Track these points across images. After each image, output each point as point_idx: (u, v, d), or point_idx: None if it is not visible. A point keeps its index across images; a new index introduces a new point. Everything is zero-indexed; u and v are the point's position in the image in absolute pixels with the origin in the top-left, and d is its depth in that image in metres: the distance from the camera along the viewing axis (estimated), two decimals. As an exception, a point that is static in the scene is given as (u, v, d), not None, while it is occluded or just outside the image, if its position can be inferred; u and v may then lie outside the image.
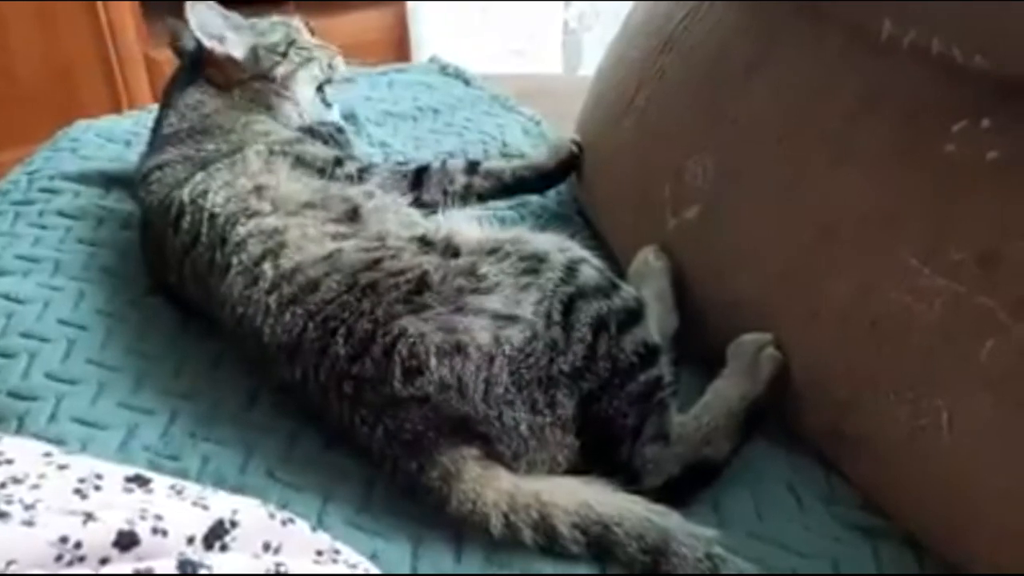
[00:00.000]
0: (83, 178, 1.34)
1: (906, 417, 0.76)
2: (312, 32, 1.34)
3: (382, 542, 0.78)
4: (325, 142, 1.20)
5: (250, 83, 1.23)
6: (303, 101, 1.25)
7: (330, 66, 1.29)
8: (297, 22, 1.30)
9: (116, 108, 2.35)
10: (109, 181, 1.33)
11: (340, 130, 1.29)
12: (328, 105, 1.30)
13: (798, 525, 0.80)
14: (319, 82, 1.28)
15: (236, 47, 1.22)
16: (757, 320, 0.91)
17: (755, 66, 0.98)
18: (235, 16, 1.24)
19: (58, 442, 0.86)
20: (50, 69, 2.48)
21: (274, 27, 1.27)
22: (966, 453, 0.72)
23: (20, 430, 0.90)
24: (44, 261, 1.16)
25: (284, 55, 1.24)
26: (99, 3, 2.46)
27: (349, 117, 1.49)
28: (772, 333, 0.89)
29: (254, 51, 1.23)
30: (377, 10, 2.75)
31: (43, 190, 1.31)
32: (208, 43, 1.20)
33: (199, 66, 1.23)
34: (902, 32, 0.81)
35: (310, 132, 1.23)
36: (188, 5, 1.17)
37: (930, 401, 0.74)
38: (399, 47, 2.73)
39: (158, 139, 1.20)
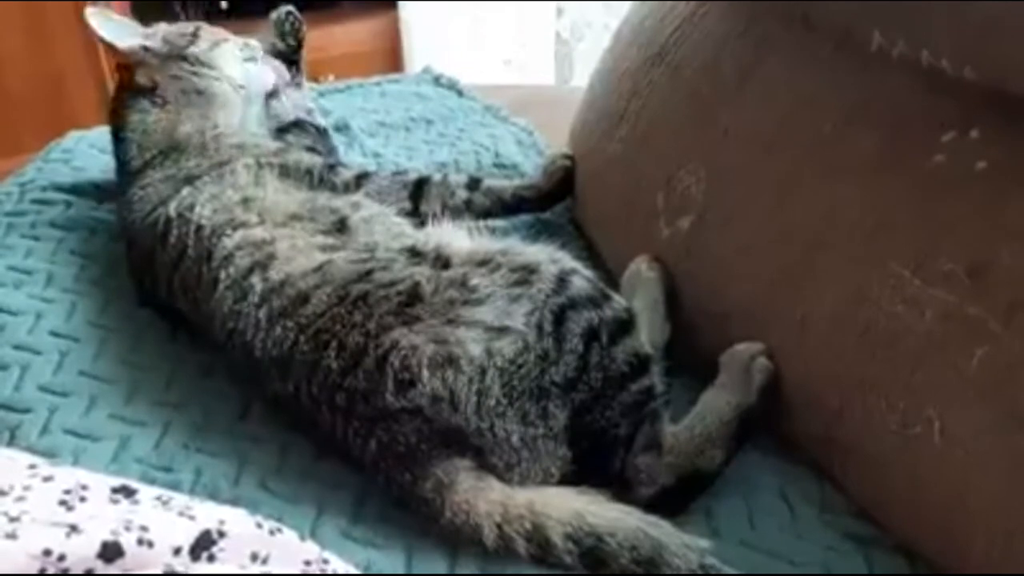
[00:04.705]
0: (76, 189, 1.33)
1: (897, 425, 0.76)
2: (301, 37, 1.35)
3: (376, 553, 0.78)
4: (312, 148, 1.20)
5: (174, 70, 1.20)
6: (237, 77, 1.24)
7: (247, 44, 1.28)
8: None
9: (109, 118, 2.34)
10: (102, 192, 1.33)
11: (323, 131, 1.29)
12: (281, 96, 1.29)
13: (791, 533, 0.80)
14: (243, 59, 1.26)
15: (148, 38, 1.22)
16: (749, 329, 0.91)
17: (746, 76, 0.99)
18: (128, 21, 1.25)
19: (50, 454, 0.85)
20: (41, 78, 2.46)
21: (179, 23, 1.26)
22: (957, 461, 0.72)
23: (12, 442, 0.90)
24: (36, 273, 1.15)
25: (194, 35, 1.24)
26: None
27: (342, 128, 1.50)
28: (764, 342, 0.90)
29: (164, 38, 1.22)
30: (370, 21, 2.75)
31: (36, 201, 1.30)
32: (123, 44, 1.20)
33: (130, 87, 1.21)
34: (891, 43, 0.82)
35: (296, 126, 1.22)
36: (89, 18, 1.18)
37: (921, 409, 0.74)
38: (392, 58, 2.73)
39: (129, 171, 1.17)
